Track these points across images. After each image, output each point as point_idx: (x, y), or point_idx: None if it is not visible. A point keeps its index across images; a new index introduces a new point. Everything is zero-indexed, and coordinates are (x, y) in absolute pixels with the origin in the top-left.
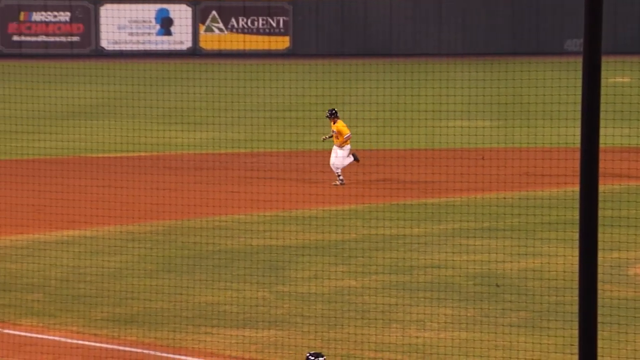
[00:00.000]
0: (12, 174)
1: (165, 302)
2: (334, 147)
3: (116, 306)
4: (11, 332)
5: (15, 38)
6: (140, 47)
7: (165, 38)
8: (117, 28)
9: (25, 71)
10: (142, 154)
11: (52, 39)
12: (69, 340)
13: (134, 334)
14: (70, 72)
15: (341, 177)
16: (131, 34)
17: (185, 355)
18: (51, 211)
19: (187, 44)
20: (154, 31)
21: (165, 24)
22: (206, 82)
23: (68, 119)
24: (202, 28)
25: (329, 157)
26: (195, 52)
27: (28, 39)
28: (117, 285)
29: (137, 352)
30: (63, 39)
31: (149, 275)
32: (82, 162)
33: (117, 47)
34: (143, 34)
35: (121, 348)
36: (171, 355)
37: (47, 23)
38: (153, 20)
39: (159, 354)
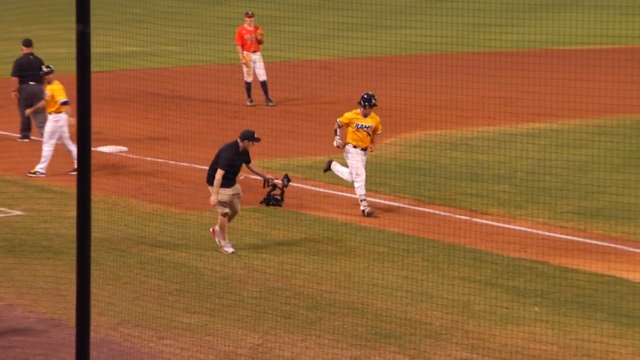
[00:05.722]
0: (479, 66)
1: (633, 197)
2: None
3: (582, 199)
4: (480, 220)
5: None
6: None
7: None
8: None
9: None
10: (607, 46)
11: None
12: (535, 231)
13: (601, 227)
14: None
15: None
16: None
17: None
18: (518, 104)
19: None
20: None
21: None
22: None
23: (535, 12)
24: None
25: None
26: None
27: None
28: (583, 179)
29: (603, 246)
30: None
31: (616, 170)
32: (547, 54)
33: None
34: None
35: (587, 241)
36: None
37: None
38: None
39: (626, 248)
